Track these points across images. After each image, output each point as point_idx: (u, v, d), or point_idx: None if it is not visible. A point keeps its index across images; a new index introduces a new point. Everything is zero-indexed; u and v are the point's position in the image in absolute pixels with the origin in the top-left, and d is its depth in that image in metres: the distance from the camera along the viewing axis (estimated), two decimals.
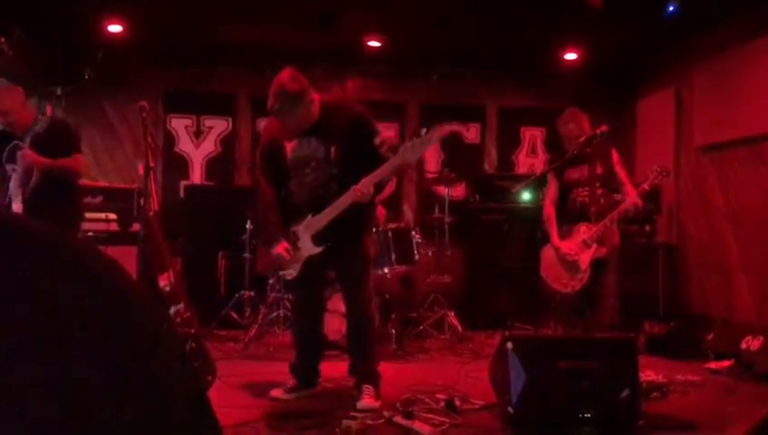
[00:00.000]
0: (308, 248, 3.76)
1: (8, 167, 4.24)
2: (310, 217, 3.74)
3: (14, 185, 4.16)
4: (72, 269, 0.54)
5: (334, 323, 5.04)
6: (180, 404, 0.56)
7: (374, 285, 5.33)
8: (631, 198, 4.43)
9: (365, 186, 3.59)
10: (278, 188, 3.86)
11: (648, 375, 4.13)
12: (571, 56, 7.09)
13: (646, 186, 4.49)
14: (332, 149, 3.70)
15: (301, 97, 3.62)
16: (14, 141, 4.24)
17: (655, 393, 3.96)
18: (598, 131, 4.46)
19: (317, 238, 3.74)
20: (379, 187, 3.74)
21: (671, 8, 5.54)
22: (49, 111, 6.80)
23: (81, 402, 0.48)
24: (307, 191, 3.76)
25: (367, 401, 3.69)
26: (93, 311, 0.52)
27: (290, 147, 3.79)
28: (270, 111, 3.72)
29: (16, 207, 4.10)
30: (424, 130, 3.52)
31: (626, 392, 3.30)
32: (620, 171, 4.61)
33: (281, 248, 3.77)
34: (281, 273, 4.01)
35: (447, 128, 3.59)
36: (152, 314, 0.59)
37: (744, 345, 4.72)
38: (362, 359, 3.91)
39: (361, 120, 3.77)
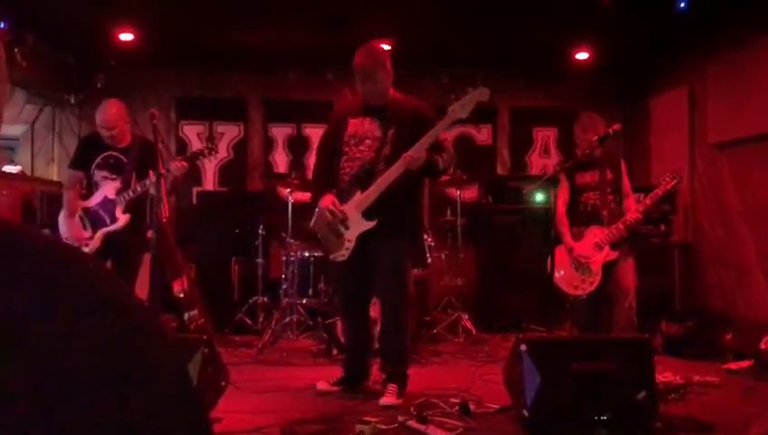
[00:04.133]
0: (359, 225, 3.79)
1: (99, 174, 4.65)
2: (359, 193, 3.78)
3: (111, 193, 4.59)
4: (47, 269, 0.52)
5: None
6: (171, 418, 0.54)
7: None
8: (632, 211, 4.44)
9: (416, 151, 3.65)
10: (333, 164, 3.95)
11: (665, 376, 4.08)
12: (582, 55, 7.04)
13: (659, 191, 4.47)
14: (390, 132, 3.81)
15: (385, 61, 3.87)
16: (109, 152, 4.64)
17: (672, 395, 3.91)
18: (610, 130, 4.43)
19: (368, 213, 3.77)
20: (432, 165, 3.77)
21: (683, 3, 5.48)
22: None
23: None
24: (357, 168, 3.83)
25: (388, 398, 3.73)
26: (78, 331, 0.50)
27: (352, 122, 3.91)
28: (356, 67, 3.86)
29: (119, 212, 4.58)
30: (470, 88, 3.69)
31: (642, 394, 3.25)
32: (626, 183, 4.63)
33: (328, 201, 3.82)
34: (331, 256, 3.98)
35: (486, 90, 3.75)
36: (140, 321, 0.57)
37: (763, 345, 4.65)
38: (393, 362, 3.91)
39: (425, 115, 3.90)
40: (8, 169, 6.45)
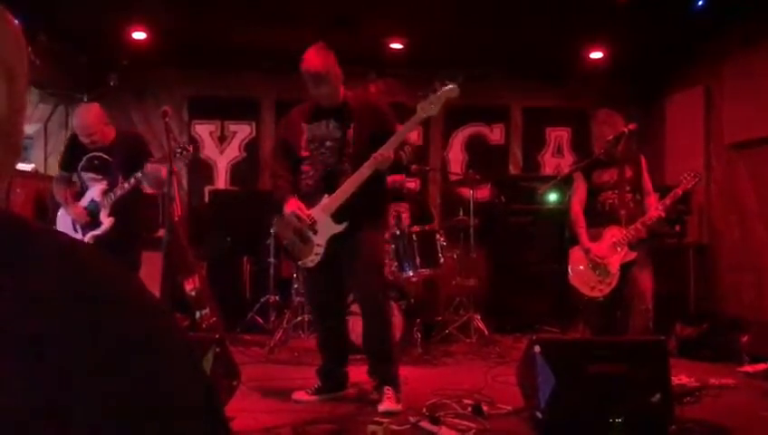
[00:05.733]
0: (329, 228, 3.71)
1: (86, 176, 4.50)
2: (326, 196, 3.72)
3: (97, 195, 4.42)
4: (64, 268, 0.51)
5: (358, 327, 5.01)
6: (189, 416, 0.53)
7: (399, 288, 5.34)
8: (653, 210, 4.36)
9: (386, 150, 3.60)
10: (293, 171, 3.87)
11: (680, 379, 4.03)
12: (596, 55, 6.99)
13: (678, 190, 4.39)
14: (349, 131, 3.75)
15: (335, 62, 3.79)
16: (93, 153, 4.47)
17: (688, 397, 3.87)
18: (626, 129, 4.38)
19: (337, 216, 3.70)
20: (398, 163, 3.75)
21: (700, 2, 5.41)
22: None
23: (75, 420, 0.45)
24: (320, 172, 3.77)
25: (387, 404, 3.64)
26: (87, 315, 0.49)
27: (307, 127, 3.84)
28: (308, 71, 3.76)
29: (104, 216, 4.39)
30: (438, 84, 3.64)
31: (657, 397, 3.21)
32: (646, 180, 4.54)
33: (293, 205, 3.74)
34: (300, 263, 3.90)
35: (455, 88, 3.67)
36: (156, 319, 0.56)
37: None
38: (380, 359, 3.83)
39: (381, 108, 3.88)
40: (22, 166, 6.48)
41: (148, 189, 4.62)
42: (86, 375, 0.46)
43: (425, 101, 3.65)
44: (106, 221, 4.41)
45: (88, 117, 4.47)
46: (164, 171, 4.32)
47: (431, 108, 3.66)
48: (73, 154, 4.56)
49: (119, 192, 4.36)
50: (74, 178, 4.64)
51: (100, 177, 4.46)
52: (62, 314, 0.48)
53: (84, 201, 4.48)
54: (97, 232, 4.41)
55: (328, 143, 3.77)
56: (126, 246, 4.41)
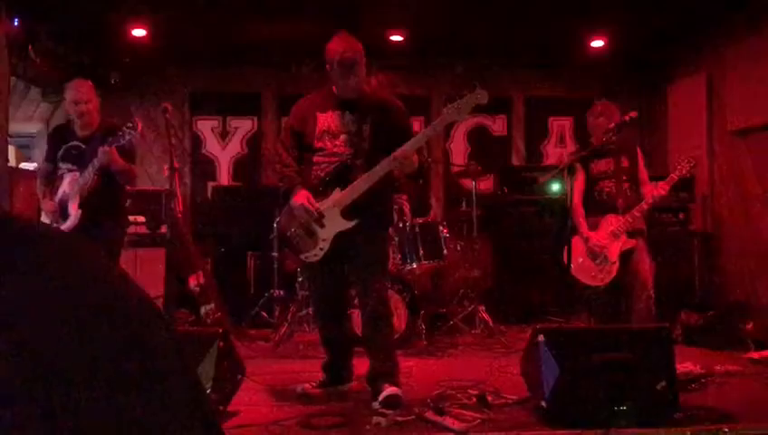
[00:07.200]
0: (337, 224, 3.63)
1: (63, 166, 4.32)
2: (338, 190, 3.63)
3: (69, 186, 4.23)
4: (64, 270, 0.51)
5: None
6: (175, 415, 0.53)
7: (402, 281, 5.33)
8: (648, 197, 4.39)
9: (406, 151, 3.51)
10: (300, 161, 3.77)
11: (685, 366, 4.02)
12: (597, 43, 6.96)
13: (674, 175, 4.41)
14: (365, 126, 3.66)
15: (363, 51, 3.68)
16: (72, 142, 4.32)
17: (693, 385, 3.86)
18: (627, 117, 4.37)
19: (347, 212, 3.62)
20: (420, 167, 3.69)
21: None
22: None
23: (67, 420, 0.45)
24: (333, 164, 3.66)
25: (387, 391, 3.53)
26: (73, 312, 0.49)
27: (322, 117, 3.72)
28: (338, 57, 3.62)
29: (72, 208, 4.17)
30: (467, 92, 3.55)
31: (662, 384, 3.21)
32: (642, 171, 4.56)
33: (302, 197, 3.62)
34: (302, 256, 3.79)
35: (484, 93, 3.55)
36: (151, 321, 0.55)
37: None
38: (380, 359, 3.70)
39: (398, 106, 3.80)
40: (24, 165, 6.50)
41: (122, 184, 4.42)
42: (80, 377, 0.47)
43: (450, 106, 3.56)
44: (74, 213, 4.18)
45: (83, 87, 4.34)
46: (116, 157, 4.13)
47: (457, 113, 3.57)
48: (54, 144, 4.41)
49: (81, 182, 4.17)
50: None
51: (75, 167, 4.28)
52: (62, 316, 0.48)
53: (58, 194, 4.30)
54: (65, 225, 4.13)
55: (342, 136, 3.66)
56: (97, 239, 4.12)
